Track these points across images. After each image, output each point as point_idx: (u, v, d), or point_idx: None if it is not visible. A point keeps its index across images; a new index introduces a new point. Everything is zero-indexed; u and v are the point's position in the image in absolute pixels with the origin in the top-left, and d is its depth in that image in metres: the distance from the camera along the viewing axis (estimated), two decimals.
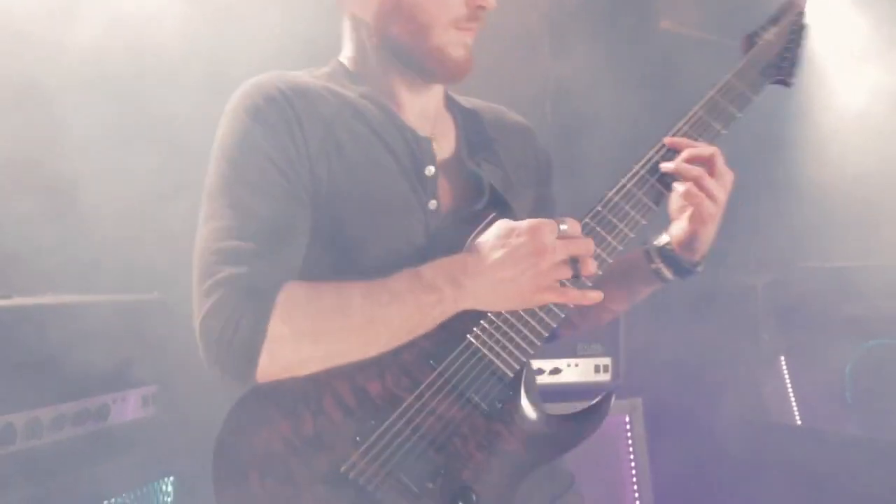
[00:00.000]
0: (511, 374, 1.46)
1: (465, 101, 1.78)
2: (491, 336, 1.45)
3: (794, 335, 3.61)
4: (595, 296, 1.46)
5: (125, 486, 2.11)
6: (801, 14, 1.66)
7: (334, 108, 1.54)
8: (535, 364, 2.78)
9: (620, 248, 1.51)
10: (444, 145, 1.65)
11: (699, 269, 1.65)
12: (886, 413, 3.25)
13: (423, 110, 1.65)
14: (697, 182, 1.51)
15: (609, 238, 1.50)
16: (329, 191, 1.49)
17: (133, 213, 2.37)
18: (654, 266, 1.66)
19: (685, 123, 1.57)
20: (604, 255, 1.49)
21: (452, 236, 1.49)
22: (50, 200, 2.29)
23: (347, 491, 1.37)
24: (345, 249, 1.49)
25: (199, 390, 2.27)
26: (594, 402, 1.54)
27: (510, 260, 1.41)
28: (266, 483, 1.36)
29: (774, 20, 1.66)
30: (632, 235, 1.52)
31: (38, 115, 2.33)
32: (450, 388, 1.43)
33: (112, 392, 2.13)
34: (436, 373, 1.43)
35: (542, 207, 1.80)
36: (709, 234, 1.59)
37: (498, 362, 1.45)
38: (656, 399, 2.99)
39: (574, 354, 2.87)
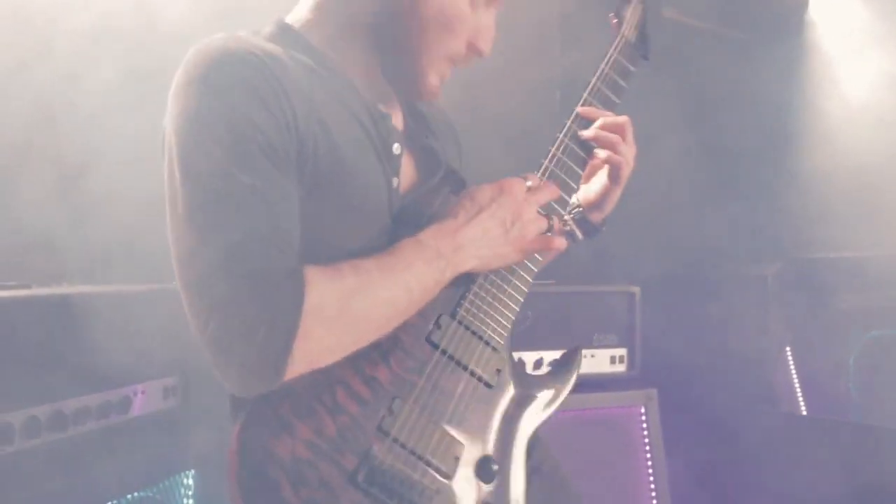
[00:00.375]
0: (502, 342, 1.54)
1: None
2: (479, 308, 1.52)
3: (799, 325, 3.60)
4: (561, 242, 1.62)
5: (147, 479, 2.08)
6: None
7: (306, 78, 1.43)
8: (550, 355, 2.77)
9: (561, 211, 1.67)
10: (396, 121, 1.63)
11: (603, 228, 1.83)
12: (889, 403, 3.25)
13: (374, 85, 1.59)
14: (614, 147, 1.68)
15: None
16: (313, 170, 1.40)
17: (153, 200, 2.33)
18: (566, 227, 1.81)
19: (589, 95, 1.73)
20: None
21: (412, 212, 1.53)
22: (68, 188, 2.25)
23: (381, 482, 1.35)
24: (321, 229, 1.42)
25: (221, 382, 2.25)
26: (563, 355, 1.68)
27: (495, 217, 1.49)
28: (301, 492, 1.29)
29: (626, 0, 1.83)
30: (567, 199, 1.67)
31: (51, 102, 2.28)
32: (454, 365, 1.48)
33: (133, 384, 2.09)
34: (438, 352, 1.47)
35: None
36: (618, 194, 1.77)
37: (490, 332, 1.53)
38: (671, 389, 2.98)
39: (589, 345, 2.86)
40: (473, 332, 1.51)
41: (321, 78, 1.46)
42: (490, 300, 1.54)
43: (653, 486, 2.83)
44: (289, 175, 1.35)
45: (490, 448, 1.48)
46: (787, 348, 3.76)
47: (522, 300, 1.58)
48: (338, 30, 1.53)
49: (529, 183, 1.57)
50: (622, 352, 2.90)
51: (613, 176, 1.74)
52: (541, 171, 1.65)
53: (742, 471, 3.13)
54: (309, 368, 1.32)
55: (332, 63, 1.50)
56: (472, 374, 1.49)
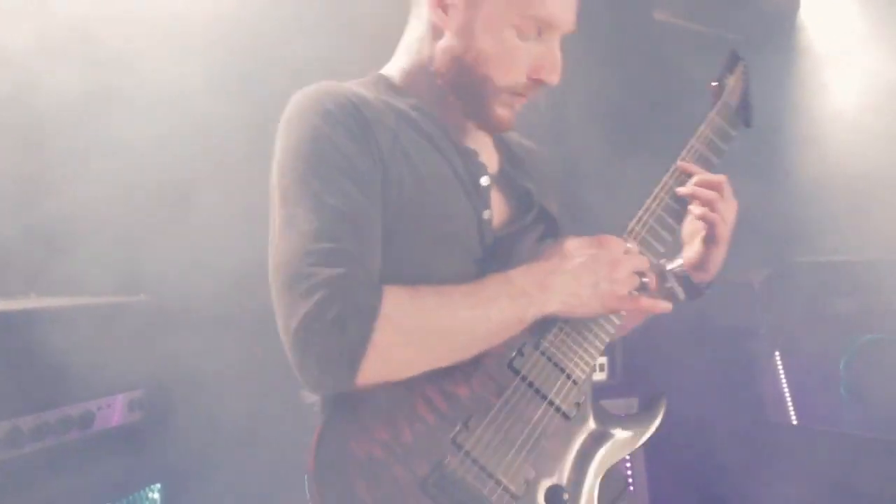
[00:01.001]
0: (584, 377, 1.57)
1: None
2: (563, 342, 1.56)
3: (789, 330, 3.59)
4: (666, 306, 1.64)
5: (110, 495, 2.05)
6: (744, 64, 1.91)
7: (394, 117, 1.58)
8: None
9: (655, 262, 1.69)
10: (489, 159, 1.71)
11: (708, 290, 1.80)
12: (882, 409, 3.18)
13: (463, 125, 1.69)
14: (711, 205, 1.68)
15: (647, 254, 1.66)
16: (398, 198, 1.51)
17: (119, 211, 2.31)
18: (668, 286, 1.79)
19: (687, 153, 1.76)
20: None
21: (506, 247, 1.61)
22: (33, 198, 2.23)
23: (451, 492, 1.40)
24: (408, 257, 1.52)
25: (187, 394, 2.24)
26: (649, 399, 1.70)
27: (589, 268, 1.54)
28: (374, 491, 1.36)
29: (729, 68, 1.89)
30: (662, 251, 1.70)
31: (8, 113, 2.25)
32: (533, 392, 1.52)
33: (97, 398, 2.07)
34: (519, 377, 1.51)
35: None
36: (720, 255, 1.75)
37: (572, 366, 1.56)
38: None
39: None
40: (556, 364, 1.55)
41: (409, 119, 1.60)
42: (575, 335, 1.58)
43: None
44: (373, 200, 1.48)
45: (563, 478, 1.52)
46: (777, 353, 3.73)
47: (605, 343, 1.62)
48: (423, 76, 1.65)
49: (630, 245, 1.62)
50: (602, 360, 2.88)
51: (709, 235, 1.72)
52: (634, 221, 1.69)
53: (727, 483, 3.07)
54: (384, 378, 1.40)
55: (422, 106, 1.63)
56: (551, 403, 1.53)
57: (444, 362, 1.45)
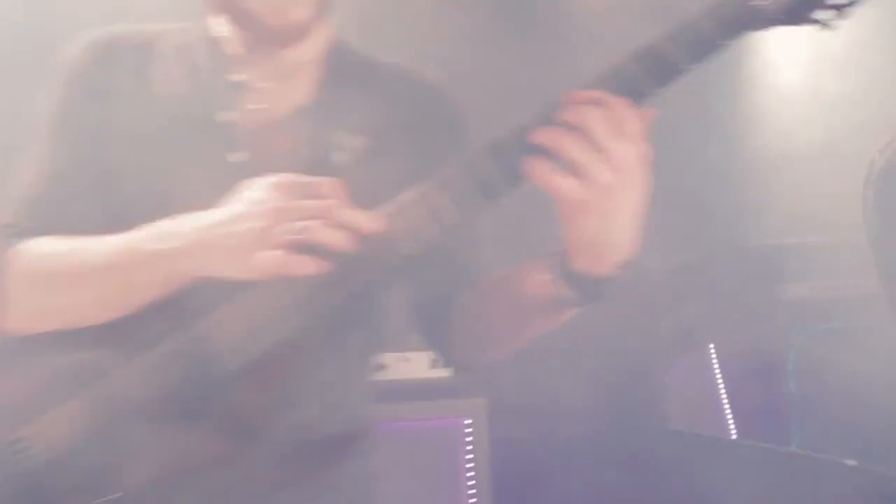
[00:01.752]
0: (232, 369, 1.31)
1: (366, 57, 1.61)
2: (222, 322, 1.32)
3: (726, 320, 3.32)
4: (307, 266, 1.21)
5: None
6: None
7: (146, 59, 1.51)
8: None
9: (416, 243, 1.24)
10: (280, 96, 1.50)
11: (608, 286, 1.22)
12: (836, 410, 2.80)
13: (261, 55, 1.50)
14: (563, 151, 1.13)
15: (416, 225, 1.23)
16: (128, 147, 1.44)
17: None
18: (551, 288, 1.26)
19: (599, 81, 1.14)
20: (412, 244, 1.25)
21: None
22: None
23: (15, 464, 1.35)
24: (142, 208, 1.36)
25: None
26: (342, 433, 1.44)
27: (241, 217, 1.24)
28: None
29: None
30: (434, 228, 1.22)
31: None
32: (156, 375, 1.34)
33: None
34: (155, 353, 1.33)
35: None
36: (594, 230, 1.16)
37: (224, 354, 1.31)
38: (509, 398, 2.61)
39: (404, 347, 2.51)
40: (199, 348, 1.32)
41: (168, 55, 1.52)
42: (246, 318, 1.31)
43: None
44: (86, 154, 1.46)
45: (136, 480, 1.35)
46: (711, 346, 3.44)
47: (285, 333, 1.30)
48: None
49: (307, 188, 1.25)
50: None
51: (559, 204, 1.17)
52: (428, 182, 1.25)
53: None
54: (27, 327, 1.39)
55: (209, 36, 1.53)
56: (172, 392, 1.32)
57: (79, 316, 1.36)
